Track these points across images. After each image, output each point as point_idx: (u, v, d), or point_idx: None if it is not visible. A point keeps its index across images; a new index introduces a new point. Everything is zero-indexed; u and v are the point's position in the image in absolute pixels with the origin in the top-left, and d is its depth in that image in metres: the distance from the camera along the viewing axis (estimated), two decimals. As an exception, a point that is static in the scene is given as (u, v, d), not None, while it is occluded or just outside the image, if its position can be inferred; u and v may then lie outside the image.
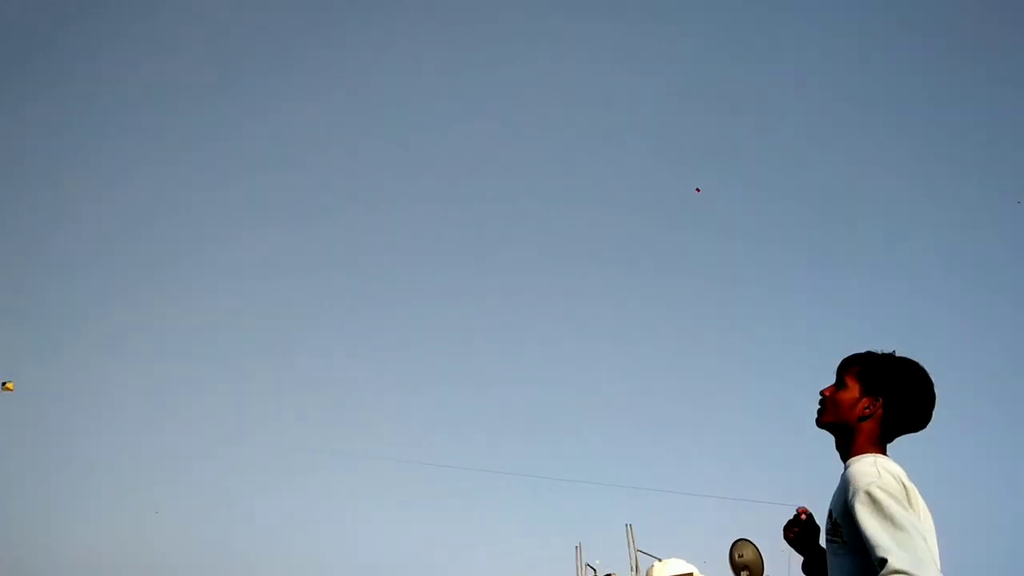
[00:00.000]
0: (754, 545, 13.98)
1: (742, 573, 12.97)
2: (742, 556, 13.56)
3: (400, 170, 28.54)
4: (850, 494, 2.10)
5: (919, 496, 2.10)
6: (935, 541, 2.10)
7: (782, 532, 2.59)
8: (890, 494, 2.02)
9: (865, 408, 2.26)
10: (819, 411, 2.37)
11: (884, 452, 2.24)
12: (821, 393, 2.39)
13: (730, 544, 12.33)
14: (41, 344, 22.52)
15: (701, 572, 12.82)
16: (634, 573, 13.92)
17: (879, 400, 2.25)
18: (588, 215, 26.72)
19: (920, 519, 2.03)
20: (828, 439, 2.45)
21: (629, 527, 14.89)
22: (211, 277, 25.98)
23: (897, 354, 2.31)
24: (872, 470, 2.10)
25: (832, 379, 2.42)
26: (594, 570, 14.32)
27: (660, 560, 13.04)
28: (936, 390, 2.27)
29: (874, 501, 2.02)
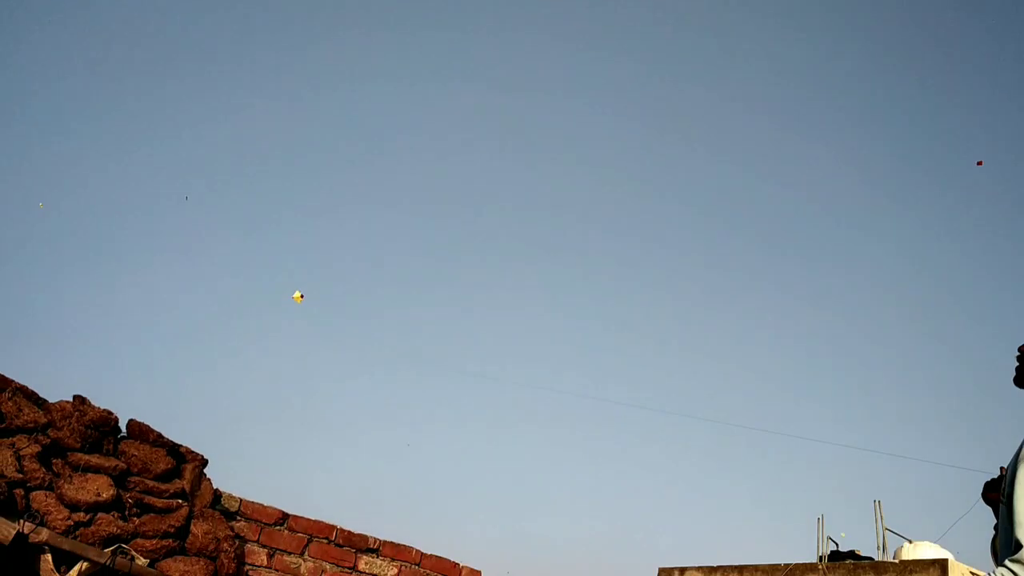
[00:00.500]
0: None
1: None
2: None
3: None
4: (1021, 456, 1.93)
5: None
6: None
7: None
8: None
9: None
10: (1017, 368, 2.15)
11: None
12: (1020, 349, 2.14)
13: (992, 531, 12.02)
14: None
15: (958, 559, 12.45)
16: (881, 552, 13.44)
17: None
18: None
19: None
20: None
21: (877, 503, 14.50)
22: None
23: None
24: None
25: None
26: (836, 544, 13.74)
27: (911, 542, 13.21)
28: None
29: None
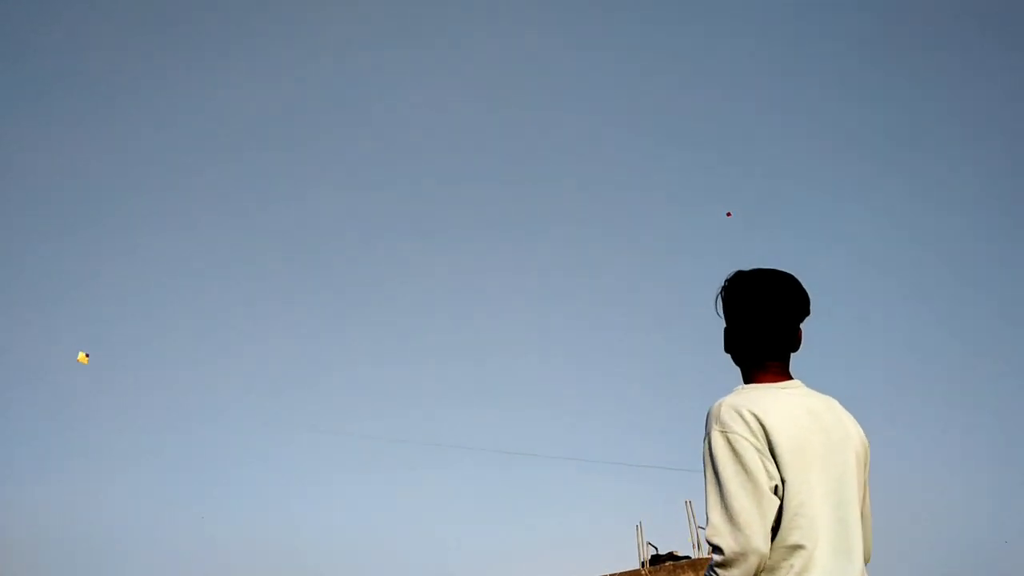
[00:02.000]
0: None
1: None
2: None
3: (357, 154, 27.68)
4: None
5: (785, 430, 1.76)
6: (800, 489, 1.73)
7: None
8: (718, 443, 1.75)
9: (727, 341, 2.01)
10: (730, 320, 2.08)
11: (760, 380, 1.95)
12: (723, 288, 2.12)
13: None
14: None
15: None
16: (696, 549, 14.76)
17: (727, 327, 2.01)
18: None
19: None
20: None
21: (688, 503, 14.91)
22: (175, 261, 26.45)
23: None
24: (714, 409, 1.84)
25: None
26: (656, 548, 15.14)
27: None
28: (771, 285, 1.93)
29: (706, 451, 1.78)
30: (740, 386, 1.95)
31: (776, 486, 1.74)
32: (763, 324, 1.93)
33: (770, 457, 1.74)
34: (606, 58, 28.40)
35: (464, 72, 28.15)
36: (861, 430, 1.91)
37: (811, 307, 1.98)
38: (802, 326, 2.00)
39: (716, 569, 1.73)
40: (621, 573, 14.92)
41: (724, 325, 2.03)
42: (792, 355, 1.98)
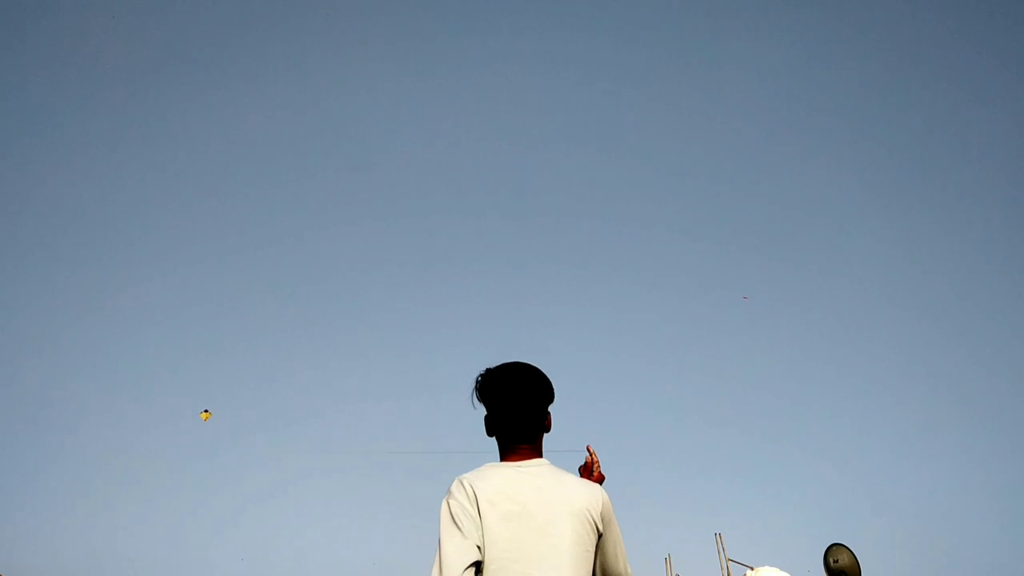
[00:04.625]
0: (849, 549, 12.71)
1: None
2: (837, 561, 12.38)
3: (353, 182, 26.06)
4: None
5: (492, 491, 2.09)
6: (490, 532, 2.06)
7: None
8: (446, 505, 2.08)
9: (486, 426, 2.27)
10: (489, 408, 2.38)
11: (507, 460, 2.24)
12: (479, 379, 2.41)
13: (824, 549, 12.57)
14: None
15: None
16: None
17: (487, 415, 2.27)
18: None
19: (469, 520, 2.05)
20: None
21: (718, 536, 14.65)
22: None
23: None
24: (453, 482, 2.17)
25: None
26: None
27: (752, 568, 13.71)
28: (502, 384, 2.23)
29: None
30: (486, 464, 2.22)
31: (478, 546, 2.06)
32: (507, 414, 2.23)
33: (478, 521, 2.06)
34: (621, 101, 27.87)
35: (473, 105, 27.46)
36: (594, 499, 2.15)
37: (554, 395, 2.22)
38: (551, 410, 2.26)
39: None
40: None
41: (484, 414, 2.29)
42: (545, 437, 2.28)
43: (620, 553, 2.16)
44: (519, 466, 2.18)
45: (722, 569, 14.74)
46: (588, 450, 2.53)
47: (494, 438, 2.28)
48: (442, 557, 2.01)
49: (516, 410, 2.21)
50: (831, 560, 12.40)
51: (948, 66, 25.60)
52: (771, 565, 11.86)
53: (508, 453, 2.24)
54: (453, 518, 2.06)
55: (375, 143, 25.83)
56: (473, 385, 2.28)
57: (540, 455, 2.23)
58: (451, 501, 2.07)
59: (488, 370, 2.29)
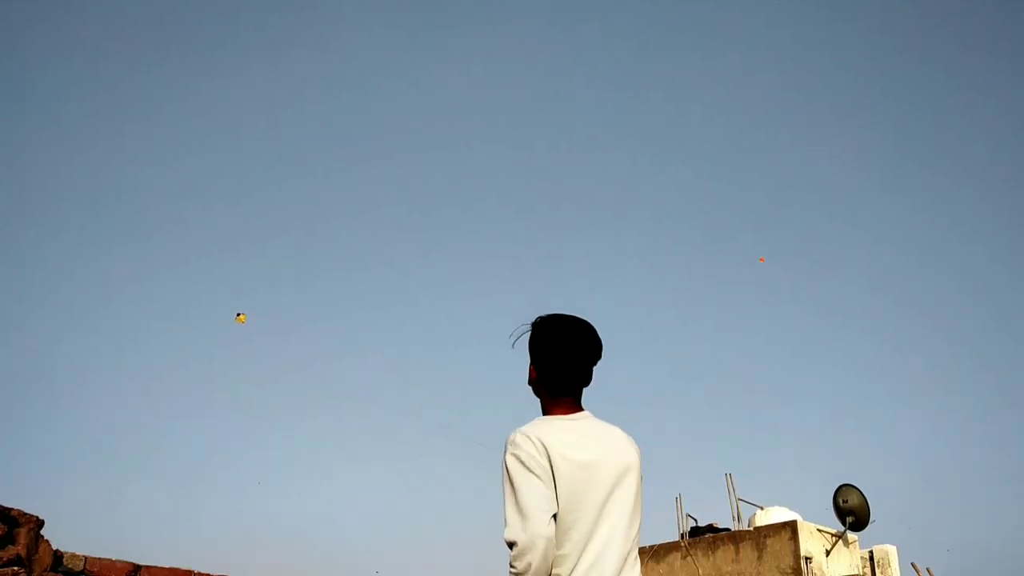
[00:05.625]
0: (859, 490, 12.61)
1: (847, 519, 12.08)
2: (847, 502, 12.33)
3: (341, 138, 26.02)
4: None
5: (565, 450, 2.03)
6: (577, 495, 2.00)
7: None
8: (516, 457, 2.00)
9: (530, 376, 2.25)
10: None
11: (554, 413, 2.18)
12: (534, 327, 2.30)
13: (834, 490, 12.20)
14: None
15: (805, 519, 12.17)
16: (736, 522, 13.80)
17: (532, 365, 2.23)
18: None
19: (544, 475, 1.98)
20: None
21: (729, 476, 14.20)
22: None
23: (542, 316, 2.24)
24: (509, 437, 2.08)
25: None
26: (695, 520, 14.04)
27: (762, 508, 13.19)
28: (572, 335, 2.17)
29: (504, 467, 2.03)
30: (536, 418, 2.15)
31: (555, 499, 1.97)
32: (562, 366, 2.14)
33: (551, 476, 1.96)
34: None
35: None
36: (636, 451, 2.16)
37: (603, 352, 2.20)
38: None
39: (513, 563, 1.89)
40: (660, 545, 14.09)
41: (528, 363, 2.21)
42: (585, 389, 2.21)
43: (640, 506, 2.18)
44: (571, 419, 2.14)
45: (732, 509, 13.57)
46: None
47: (530, 387, 2.25)
48: (524, 505, 1.91)
49: (567, 363, 2.15)
50: (840, 500, 12.39)
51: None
52: (781, 505, 12.92)
53: (554, 405, 2.18)
54: (526, 467, 1.96)
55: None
56: (522, 331, 2.23)
57: (582, 408, 2.20)
58: (519, 452, 1.98)
59: (543, 320, 2.22)
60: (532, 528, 1.89)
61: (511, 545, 1.92)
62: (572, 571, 1.97)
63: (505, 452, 2.05)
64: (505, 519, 1.96)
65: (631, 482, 2.13)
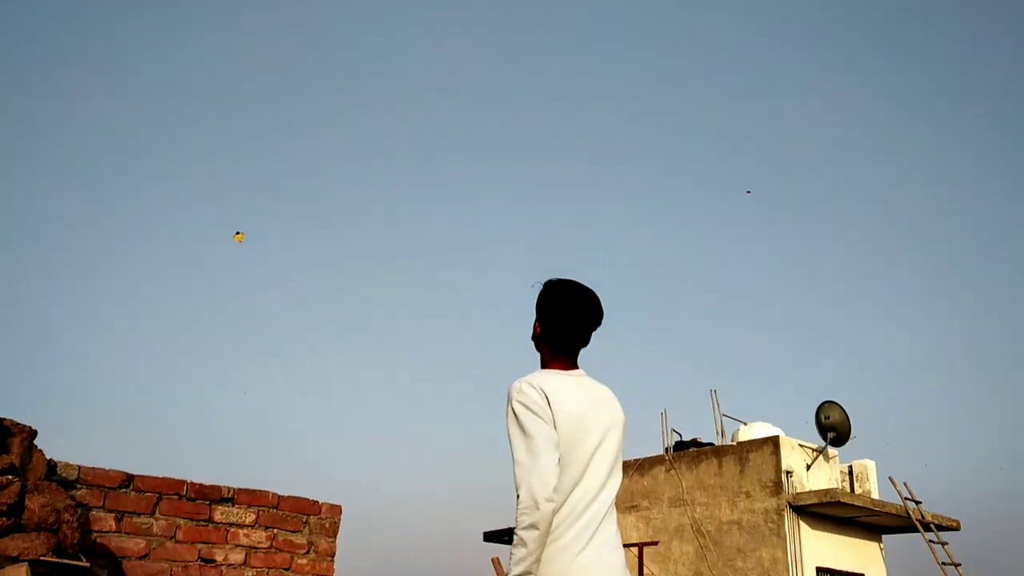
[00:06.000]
0: (840, 407, 13.57)
1: (829, 435, 13.02)
2: (828, 418, 13.33)
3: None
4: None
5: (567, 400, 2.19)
6: (579, 446, 2.18)
7: None
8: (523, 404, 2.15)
9: (534, 331, 2.42)
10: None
11: (552, 368, 2.35)
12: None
13: (816, 406, 13.18)
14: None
15: (787, 435, 12.94)
16: (720, 437, 14.49)
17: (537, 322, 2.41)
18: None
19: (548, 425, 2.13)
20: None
21: (714, 392, 14.78)
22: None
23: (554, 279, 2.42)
24: (513, 385, 2.21)
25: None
26: (680, 435, 14.62)
27: (745, 424, 13.92)
28: (577, 301, 2.35)
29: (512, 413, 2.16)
30: (537, 371, 2.32)
31: (559, 442, 2.12)
32: (565, 327, 2.32)
33: (553, 422, 2.12)
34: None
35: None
36: (622, 411, 2.35)
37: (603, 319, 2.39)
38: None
39: (523, 512, 2.01)
40: (645, 458, 14.82)
41: (534, 319, 2.39)
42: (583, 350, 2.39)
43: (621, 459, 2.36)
44: (568, 374, 2.31)
45: (716, 424, 14.68)
46: None
47: (533, 342, 2.42)
48: (535, 443, 2.06)
49: (572, 325, 2.32)
50: (823, 416, 13.31)
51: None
52: (764, 421, 13.59)
53: (552, 361, 2.35)
54: (533, 412, 2.12)
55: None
56: (537, 292, 2.41)
57: (578, 367, 2.38)
58: (524, 399, 2.14)
59: (553, 282, 2.40)
60: (541, 475, 2.04)
61: (520, 495, 2.04)
62: (569, 518, 2.11)
63: (510, 400, 2.19)
64: (515, 460, 2.10)
65: (616, 437, 2.30)
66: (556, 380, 2.26)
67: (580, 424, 2.20)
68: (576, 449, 2.18)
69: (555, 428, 2.14)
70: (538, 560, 2.04)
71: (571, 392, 2.25)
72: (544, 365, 2.39)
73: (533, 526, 2.01)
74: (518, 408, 2.16)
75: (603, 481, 2.22)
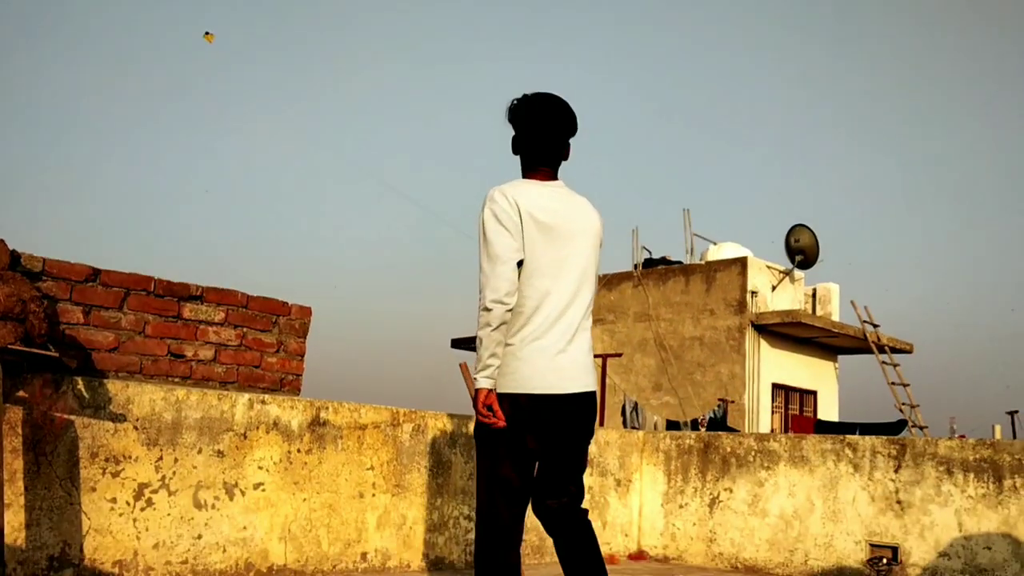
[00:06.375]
0: (811, 230, 15.02)
1: (797, 257, 14.40)
2: (798, 241, 14.72)
3: None
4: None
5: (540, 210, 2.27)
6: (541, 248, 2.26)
7: None
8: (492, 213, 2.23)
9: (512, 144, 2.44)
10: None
11: (533, 178, 2.39)
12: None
13: (787, 229, 14.51)
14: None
15: (756, 256, 13.99)
16: (689, 256, 15.03)
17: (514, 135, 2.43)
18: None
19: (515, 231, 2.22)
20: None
21: (687, 212, 15.23)
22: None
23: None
24: (488, 193, 2.29)
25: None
26: (650, 253, 14.98)
27: (715, 244, 14.81)
28: (545, 114, 2.38)
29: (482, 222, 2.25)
30: (515, 179, 2.39)
31: (522, 248, 2.23)
32: (538, 137, 2.37)
33: (520, 230, 2.21)
34: None
35: None
36: (599, 220, 2.45)
37: (577, 128, 2.44)
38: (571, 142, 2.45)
39: (480, 314, 2.18)
40: (613, 274, 15.15)
41: (512, 134, 2.43)
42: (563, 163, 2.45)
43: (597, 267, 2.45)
44: (545, 184, 2.36)
45: (687, 243, 15.23)
46: None
47: (517, 157, 2.45)
48: (494, 251, 2.18)
49: (544, 135, 2.36)
50: (792, 239, 14.89)
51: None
52: (734, 241, 14.43)
53: (531, 173, 2.40)
54: (499, 221, 2.20)
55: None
56: (507, 107, 2.43)
57: (558, 178, 2.43)
58: (494, 207, 2.22)
59: (526, 96, 2.42)
60: (503, 269, 2.19)
61: (480, 298, 2.21)
62: (528, 321, 2.25)
63: (483, 208, 2.28)
64: (479, 265, 2.25)
65: (591, 244, 2.40)
66: (532, 189, 2.33)
67: (552, 232, 2.29)
68: (547, 255, 2.28)
69: (523, 236, 2.24)
70: (497, 355, 2.20)
71: (544, 201, 2.32)
72: (523, 176, 2.45)
73: (487, 324, 2.18)
74: (487, 216, 2.25)
75: (576, 286, 2.32)
